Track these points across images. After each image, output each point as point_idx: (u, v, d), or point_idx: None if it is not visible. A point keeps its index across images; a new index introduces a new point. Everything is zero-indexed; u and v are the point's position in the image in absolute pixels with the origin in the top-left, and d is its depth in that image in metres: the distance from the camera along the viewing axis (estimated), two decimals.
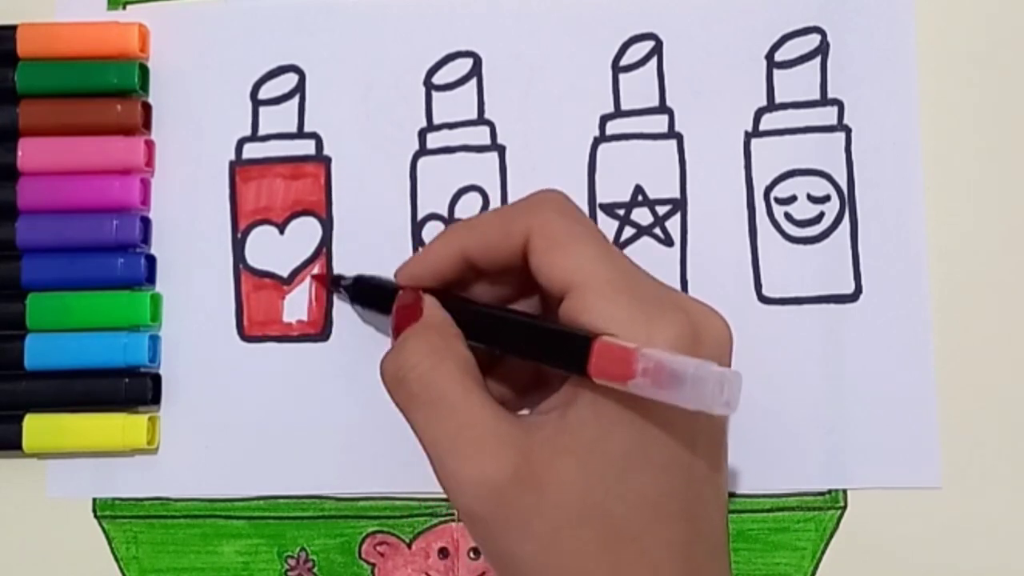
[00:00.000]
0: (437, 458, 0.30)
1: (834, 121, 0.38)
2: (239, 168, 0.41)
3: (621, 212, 0.39)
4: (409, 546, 0.39)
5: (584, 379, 0.28)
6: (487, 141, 0.40)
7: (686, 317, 0.30)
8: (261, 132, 0.41)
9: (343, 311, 0.39)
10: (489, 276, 0.34)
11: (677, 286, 0.38)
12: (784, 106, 0.39)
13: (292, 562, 0.39)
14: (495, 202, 0.39)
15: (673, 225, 0.39)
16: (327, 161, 0.40)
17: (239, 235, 0.40)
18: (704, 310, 0.31)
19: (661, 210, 0.39)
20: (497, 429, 0.29)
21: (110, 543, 0.40)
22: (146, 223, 0.40)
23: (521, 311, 0.34)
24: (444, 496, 0.38)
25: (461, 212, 0.39)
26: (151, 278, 0.40)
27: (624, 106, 0.39)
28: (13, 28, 0.40)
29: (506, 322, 0.33)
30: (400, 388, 0.31)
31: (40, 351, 0.39)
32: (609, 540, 0.29)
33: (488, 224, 0.33)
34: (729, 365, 0.31)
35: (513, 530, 0.29)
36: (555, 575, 0.29)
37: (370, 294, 0.37)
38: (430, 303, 0.33)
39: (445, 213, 0.39)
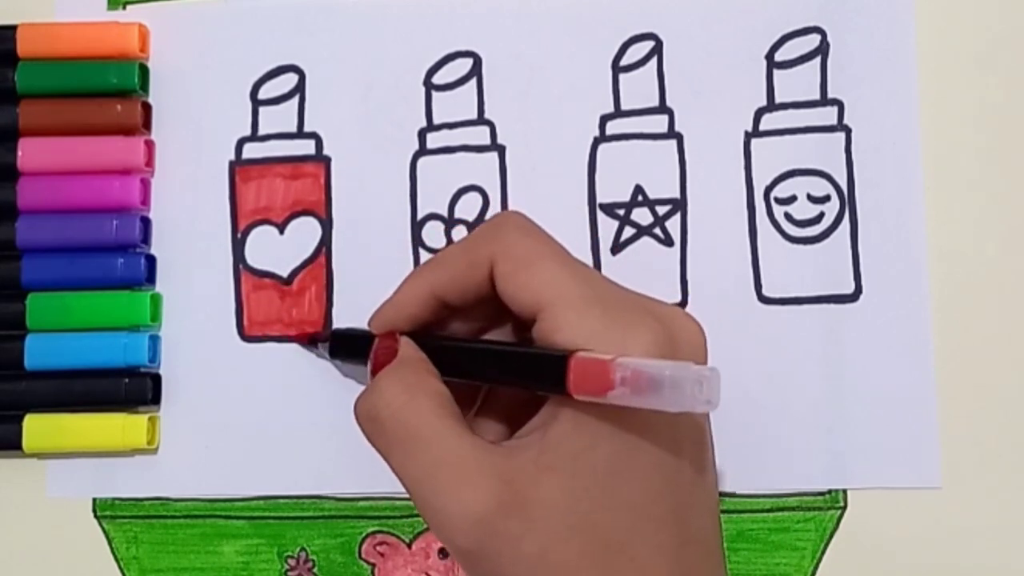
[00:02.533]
0: (418, 496, 0.30)
1: (834, 121, 0.38)
2: (239, 168, 0.41)
3: (621, 212, 0.39)
4: (409, 546, 0.39)
5: (563, 397, 0.28)
6: (487, 141, 0.40)
7: (659, 323, 0.29)
8: (261, 132, 0.41)
9: (343, 311, 0.39)
10: (462, 311, 0.33)
11: (677, 286, 0.38)
12: (784, 106, 0.39)
13: (292, 562, 0.39)
14: (495, 202, 0.39)
15: (673, 225, 0.39)
16: (327, 161, 0.40)
17: (239, 235, 0.40)
18: (675, 313, 0.31)
19: (661, 210, 0.39)
20: (476, 460, 0.29)
21: (110, 543, 0.40)
22: (146, 223, 0.40)
23: (495, 340, 0.34)
24: None
25: (461, 212, 0.39)
26: (151, 278, 0.40)
27: (624, 106, 0.39)
28: (13, 28, 0.40)
29: (481, 352, 0.32)
30: (374, 427, 0.31)
31: (40, 351, 0.39)
32: (597, 551, 0.28)
33: (452, 258, 0.33)
34: (705, 364, 0.31)
35: (502, 557, 0.29)
36: None
37: (348, 346, 0.37)
38: (405, 343, 0.33)
39: (445, 213, 0.39)
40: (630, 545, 0.29)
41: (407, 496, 0.38)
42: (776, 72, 0.39)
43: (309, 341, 0.39)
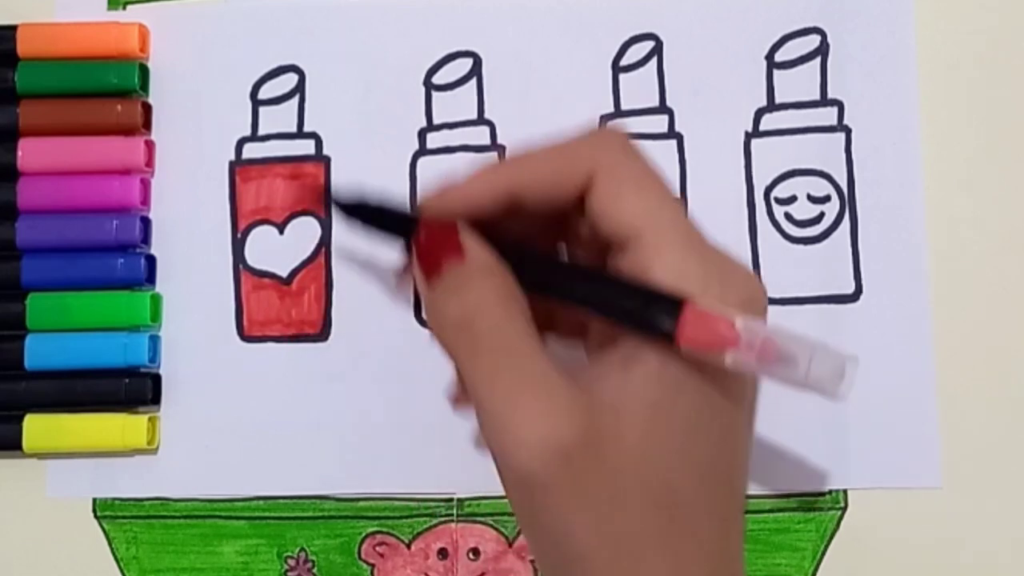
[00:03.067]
0: (495, 413, 0.27)
1: (834, 121, 0.38)
2: (239, 168, 0.41)
3: None
4: (408, 546, 0.39)
5: (655, 339, 0.26)
6: (487, 141, 0.40)
7: (753, 280, 0.28)
8: (261, 132, 0.41)
9: (343, 311, 0.39)
10: (524, 218, 0.30)
11: None
12: (784, 106, 0.39)
13: (292, 562, 0.39)
14: None
15: None
16: (327, 161, 0.40)
17: (239, 235, 0.40)
18: (753, 273, 0.29)
19: None
20: (567, 387, 0.26)
21: (110, 543, 0.40)
22: (146, 223, 0.40)
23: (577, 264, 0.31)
24: (444, 496, 0.38)
25: None
26: (151, 278, 0.40)
27: (624, 106, 0.39)
28: (13, 28, 0.40)
29: (572, 273, 0.29)
30: (464, 333, 0.28)
31: (40, 351, 0.39)
32: (662, 512, 0.27)
33: (544, 158, 0.29)
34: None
35: (573, 498, 0.26)
36: (610, 550, 0.26)
37: (377, 215, 0.31)
38: (475, 243, 0.29)
39: None
40: (694, 511, 0.27)
41: (407, 496, 0.39)
42: (776, 72, 0.39)
43: (325, 202, 0.35)
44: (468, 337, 0.28)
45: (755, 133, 0.39)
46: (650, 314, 0.26)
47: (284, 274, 0.40)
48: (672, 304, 0.26)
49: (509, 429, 0.26)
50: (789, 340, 0.25)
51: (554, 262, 0.30)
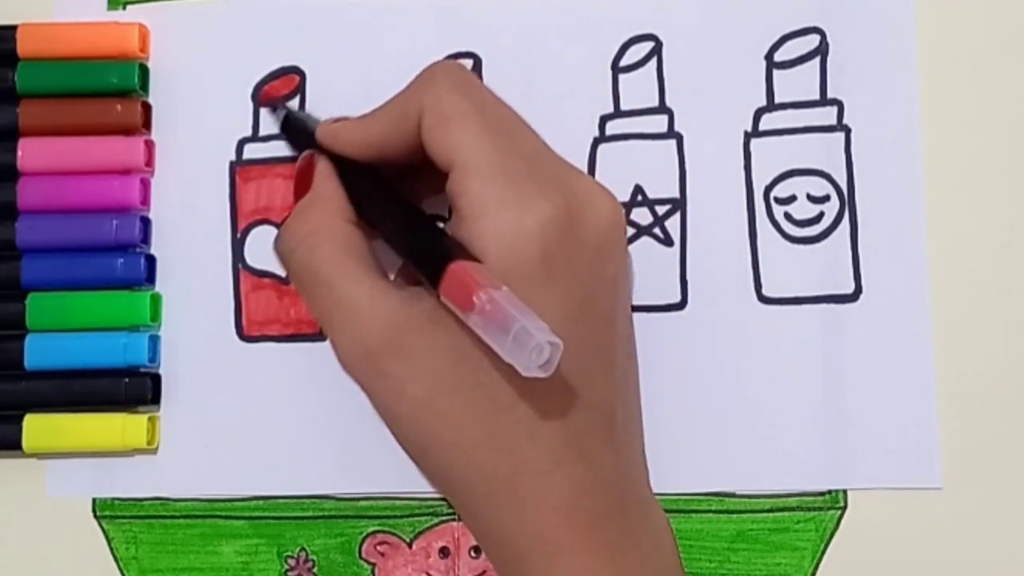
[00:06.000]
0: (323, 329, 0.33)
1: (834, 121, 0.38)
2: (239, 168, 0.41)
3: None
4: (410, 546, 0.39)
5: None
6: None
7: (563, 198, 0.30)
8: (262, 132, 0.41)
9: None
10: (404, 167, 0.34)
11: (677, 286, 0.38)
12: (784, 106, 0.39)
13: (292, 562, 0.39)
14: None
15: (673, 225, 0.38)
16: None
17: (239, 235, 0.40)
18: (590, 190, 0.32)
19: (661, 210, 0.39)
20: (369, 304, 0.31)
21: (110, 543, 0.40)
22: (146, 223, 0.40)
23: (409, 201, 0.34)
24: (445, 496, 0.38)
25: None
26: (151, 278, 0.40)
27: (624, 106, 0.39)
28: (13, 28, 0.40)
29: (384, 208, 0.33)
30: (285, 267, 0.34)
31: (40, 351, 0.39)
32: (483, 405, 0.30)
33: (386, 108, 0.33)
34: (617, 249, 0.33)
35: (388, 395, 0.31)
36: (429, 437, 0.31)
37: (295, 133, 0.38)
38: (321, 175, 0.34)
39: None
40: (517, 406, 0.30)
41: (407, 496, 0.39)
42: (776, 72, 0.39)
43: (269, 104, 0.40)
44: (288, 270, 0.34)
45: (755, 133, 0.39)
46: (426, 267, 0.30)
47: (283, 274, 0.40)
48: (443, 260, 0.29)
49: (330, 343, 0.32)
50: (511, 312, 0.27)
51: (386, 202, 0.34)
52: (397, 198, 0.34)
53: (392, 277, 0.35)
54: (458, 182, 0.30)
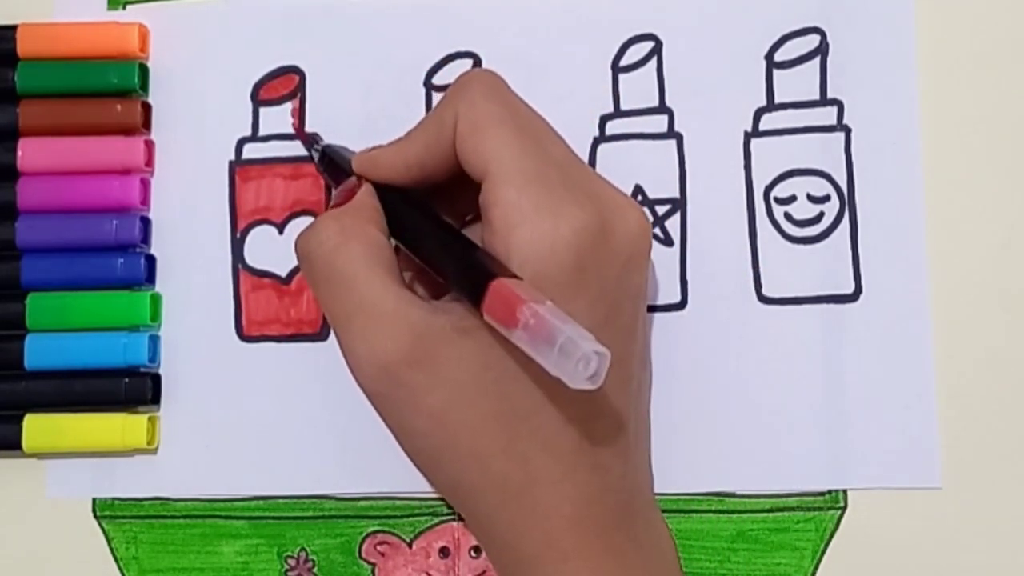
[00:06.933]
0: (338, 334, 0.31)
1: (834, 121, 0.38)
2: (239, 168, 0.41)
3: None
4: (410, 545, 0.39)
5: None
6: None
7: (595, 208, 0.30)
8: (261, 132, 0.41)
9: None
10: (443, 185, 0.33)
11: (677, 286, 0.38)
12: (784, 106, 0.39)
13: (292, 562, 0.39)
14: None
15: (673, 225, 0.38)
16: None
17: (238, 235, 0.40)
18: (621, 203, 0.31)
19: (661, 210, 0.39)
20: (394, 310, 0.30)
21: (110, 543, 0.40)
22: (146, 223, 0.40)
23: (450, 224, 0.34)
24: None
25: None
26: (151, 278, 0.40)
27: (624, 106, 0.39)
28: (13, 28, 0.40)
29: (422, 229, 0.33)
30: (306, 264, 0.32)
31: (40, 351, 0.39)
32: (503, 415, 0.30)
33: (424, 123, 0.33)
34: (644, 260, 0.32)
35: (405, 406, 0.30)
36: (444, 447, 0.30)
37: (332, 166, 0.38)
38: (364, 190, 0.34)
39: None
40: (536, 415, 0.30)
41: (407, 496, 0.39)
42: (776, 72, 0.39)
43: (307, 139, 0.40)
44: (308, 267, 0.32)
45: (755, 133, 0.39)
46: (467, 286, 0.29)
47: (283, 274, 0.40)
48: (484, 278, 0.28)
49: (344, 349, 0.31)
50: (553, 325, 0.26)
51: (423, 222, 0.33)
52: (435, 218, 0.33)
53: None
54: (491, 191, 0.30)
